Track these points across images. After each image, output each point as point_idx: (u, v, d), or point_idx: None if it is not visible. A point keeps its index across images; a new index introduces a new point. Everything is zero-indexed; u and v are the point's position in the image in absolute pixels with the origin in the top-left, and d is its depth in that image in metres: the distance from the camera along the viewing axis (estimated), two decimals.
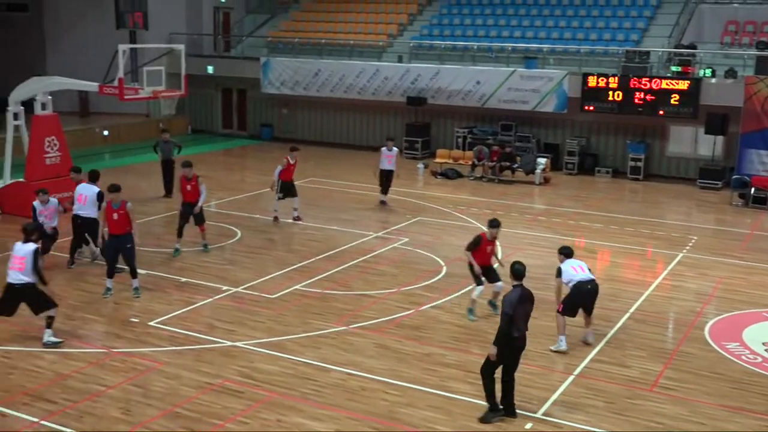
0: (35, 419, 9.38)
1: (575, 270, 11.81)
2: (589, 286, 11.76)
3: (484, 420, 9.50)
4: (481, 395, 9.99)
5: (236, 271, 15.26)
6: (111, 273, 13.59)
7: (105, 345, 11.59)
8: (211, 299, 13.62)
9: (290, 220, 18.91)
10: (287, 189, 18.76)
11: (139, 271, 14.42)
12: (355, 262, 16.00)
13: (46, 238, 14.35)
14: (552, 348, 11.76)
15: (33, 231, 11.53)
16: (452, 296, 13.94)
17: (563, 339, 11.71)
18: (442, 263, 15.98)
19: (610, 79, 25.36)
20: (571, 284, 11.73)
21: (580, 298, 11.76)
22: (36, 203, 14.91)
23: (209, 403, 9.87)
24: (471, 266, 12.88)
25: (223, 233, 17.88)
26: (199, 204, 16.09)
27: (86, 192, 14.99)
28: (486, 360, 9.54)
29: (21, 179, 19.11)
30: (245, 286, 14.33)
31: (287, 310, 13.18)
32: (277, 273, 15.10)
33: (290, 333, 12.21)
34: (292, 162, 18.66)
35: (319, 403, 9.95)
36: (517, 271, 9.76)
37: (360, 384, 10.54)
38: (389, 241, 17.65)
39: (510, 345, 9.43)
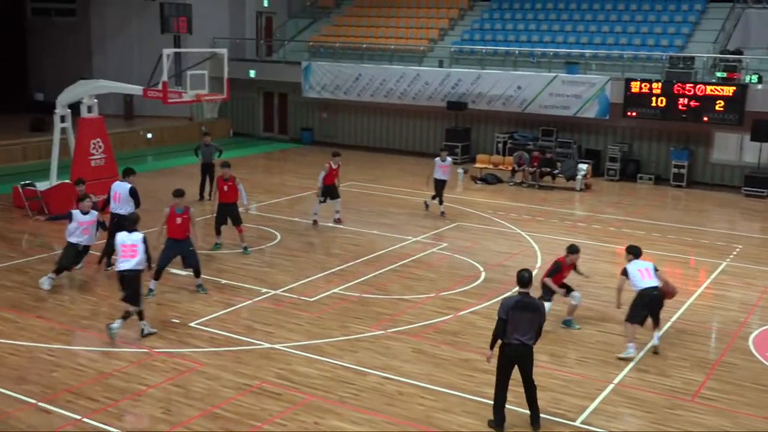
0: (77, 417, 9.54)
1: (641, 275, 11.64)
2: (655, 293, 11.62)
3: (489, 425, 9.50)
4: (518, 402, 9.96)
5: (275, 273, 15.37)
6: (158, 275, 13.75)
7: (146, 345, 11.75)
8: (250, 301, 13.74)
9: (331, 224, 19.00)
10: (330, 192, 18.87)
11: (179, 272, 14.66)
12: (393, 266, 16.02)
13: (72, 253, 14.06)
14: (619, 355, 11.63)
15: (136, 221, 12.09)
16: (491, 302, 13.88)
17: (631, 346, 11.56)
18: (481, 269, 15.92)
19: (654, 85, 25.09)
20: (636, 289, 11.64)
21: (646, 306, 11.65)
22: (76, 213, 13.91)
23: (248, 405, 9.96)
24: (546, 286, 12.62)
25: (262, 236, 18.02)
26: (245, 203, 16.40)
27: (120, 190, 15.21)
28: (497, 369, 9.47)
29: (67, 180, 19.44)
30: (284, 288, 14.43)
31: (325, 313, 13.24)
32: (316, 276, 15.18)
33: (328, 336, 12.26)
34: (334, 167, 18.76)
35: (356, 407, 9.98)
36: (521, 278, 9.39)
37: (397, 388, 10.55)
38: (428, 245, 17.64)
39: (505, 351, 9.27)
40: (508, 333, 9.19)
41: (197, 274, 14.03)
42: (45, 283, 13.96)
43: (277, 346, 11.82)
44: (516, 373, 9.41)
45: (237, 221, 16.45)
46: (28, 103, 33.98)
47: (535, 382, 9.53)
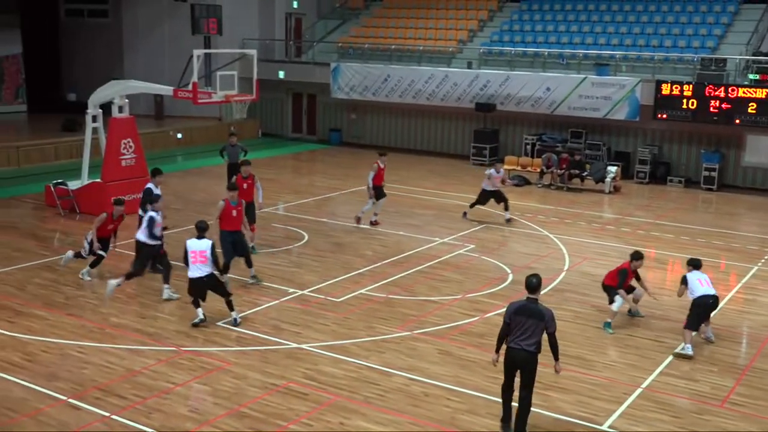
0: (106, 413, 9.65)
1: (701, 284, 12.25)
2: (711, 301, 12.19)
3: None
4: (544, 405, 9.95)
5: (303, 273, 15.43)
6: (227, 269, 13.99)
7: (174, 343, 11.86)
8: (277, 301, 13.81)
9: (367, 226, 18.98)
10: (378, 192, 18.91)
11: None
12: (420, 267, 16.02)
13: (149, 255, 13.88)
14: (678, 351, 11.99)
15: (206, 228, 12.54)
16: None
17: (689, 347, 11.93)
18: (509, 270, 15.87)
19: (685, 87, 24.85)
20: (693, 296, 12.16)
21: (705, 311, 12.23)
22: (155, 215, 13.65)
23: (274, 404, 10.01)
24: (611, 289, 13.11)
25: (290, 236, 18.10)
26: (260, 200, 16.57)
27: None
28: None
29: (98, 180, 19.67)
30: (311, 289, 14.48)
31: (352, 314, 13.27)
32: (343, 276, 15.22)
33: (355, 337, 12.29)
34: (382, 166, 18.87)
35: (382, 408, 9.99)
36: (529, 283, 9.20)
37: (423, 390, 10.55)
38: (455, 247, 17.62)
39: (507, 354, 9.20)
40: (511, 337, 9.12)
41: (249, 263, 14.50)
42: (112, 285, 13.42)
43: (303, 346, 11.87)
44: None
45: (252, 219, 16.48)
46: (61, 104, 34.47)
47: (532, 406, 9.25)
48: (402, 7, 34.71)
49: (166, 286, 13.71)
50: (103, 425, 9.39)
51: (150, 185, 15.18)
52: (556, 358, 9.26)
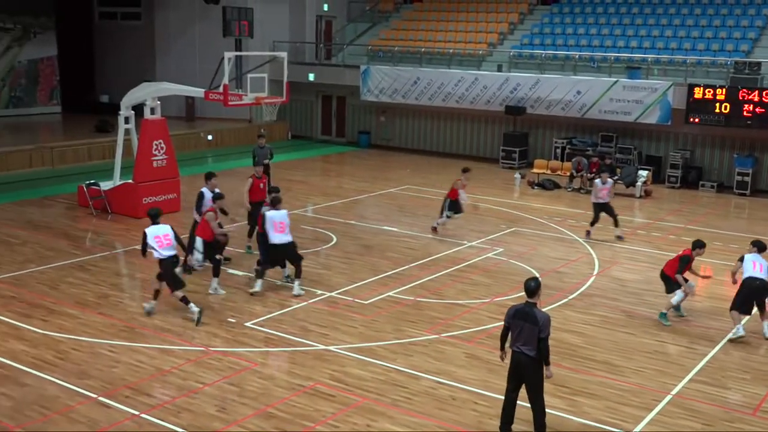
0: (136, 412, 9.75)
1: (753, 266, 12.53)
2: (758, 282, 12.40)
3: None
4: (572, 410, 9.89)
5: (331, 275, 15.47)
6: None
7: (203, 343, 11.95)
8: (305, 303, 13.85)
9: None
10: (455, 206, 18.54)
11: (236, 272, 14.93)
12: (448, 270, 15.99)
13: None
14: (730, 336, 12.46)
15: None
16: (545, 309, 13.75)
17: (740, 327, 12.37)
18: (537, 275, 15.77)
19: (718, 91, 24.58)
20: (742, 277, 12.53)
21: (749, 294, 12.45)
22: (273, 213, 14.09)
23: (301, 405, 10.05)
24: (670, 279, 13.46)
25: (318, 238, 18.16)
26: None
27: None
28: None
29: (129, 180, 19.88)
30: (339, 291, 14.52)
31: (380, 316, 13.28)
32: (371, 279, 15.23)
33: (382, 339, 12.30)
34: (465, 183, 18.54)
35: (409, 411, 9.99)
36: (527, 287, 9.18)
37: (450, 393, 10.53)
38: (484, 250, 17.57)
39: (511, 357, 9.18)
40: (512, 341, 9.14)
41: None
42: (257, 285, 14.17)
43: (331, 348, 11.90)
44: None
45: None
46: (94, 105, 34.95)
47: (547, 408, 9.23)
48: (432, 10, 34.71)
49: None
50: (132, 423, 9.48)
51: (204, 189, 15.27)
52: (546, 363, 9.08)
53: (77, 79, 36.04)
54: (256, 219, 15.20)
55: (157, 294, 12.97)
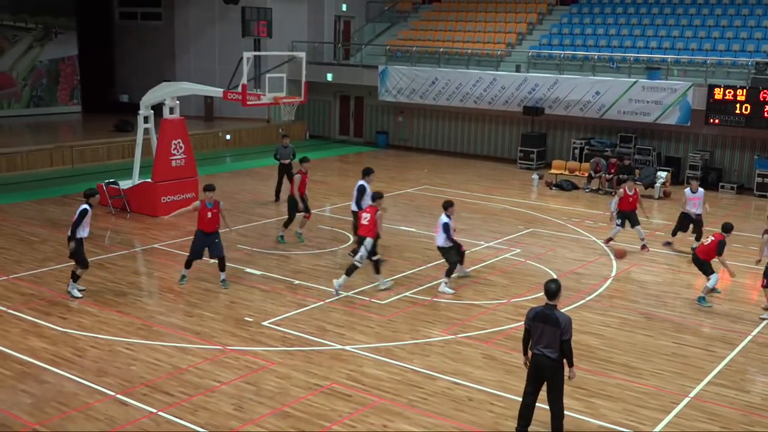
0: (153, 410, 9.80)
1: None
2: None
3: None
4: (589, 412, 9.84)
5: None
6: (189, 265, 14.55)
7: (220, 342, 11.99)
8: (322, 302, 13.87)
9: (638, 248, 17.96)
10: (627, 217, 17.85)
11: (253, 272, 15.00)
12: (466, 271, 15.95)
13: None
14: (761, 316, 13.41)
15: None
16: (563, 310, 13.68)
17: None
18: (555, 275, 15.71)
19: (738, 92, 24.39)
20: None
21: None
22: (447, 221, 14.72)
23: (318, 405, 10.06)
24: (705, 262, 14.23)
25: (336, 237, 18.18)
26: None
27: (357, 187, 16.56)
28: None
29: (148, 179, 19.98)
30: (356, 290, 14.52)
31: (397, 317, 13.28)
32: (388, 279, 15.22)
33: (399, 339, 12.30)
34: (630, 193, 17.68)
35: (425, 411, 9.98)
36: (548, 290, 9.15)
37: (467, 394, 10.51)
38: (501, 251, 17.52)
39: (531, 360, 9.13)
40: (533, 343, 9.08)
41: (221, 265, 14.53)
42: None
43: (347, 348, 11.91)
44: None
45: (308, 210, 17.53)
46: (114, 104, 35.19)
47: (565, 410, 9.19)
48: (450, 10, 34.66)
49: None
50: (150, 421, 9.53)
51: (363, 182, 16.26)
52: (570, 365, 9.12)
53: (97, 78, 36.31)
54: (296, 210, 17.26)
55: None
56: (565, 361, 9.02)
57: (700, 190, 17.65)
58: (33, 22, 33.94)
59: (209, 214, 14.25)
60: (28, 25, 33.82)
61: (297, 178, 17.19)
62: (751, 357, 12.04)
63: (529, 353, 9.20)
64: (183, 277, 14.57)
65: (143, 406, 9.88)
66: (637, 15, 30.58)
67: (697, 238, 17.48)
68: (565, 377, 9.10)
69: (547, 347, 8.94)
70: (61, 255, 16.20)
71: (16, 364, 11.03)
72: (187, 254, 14.55)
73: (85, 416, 9.60)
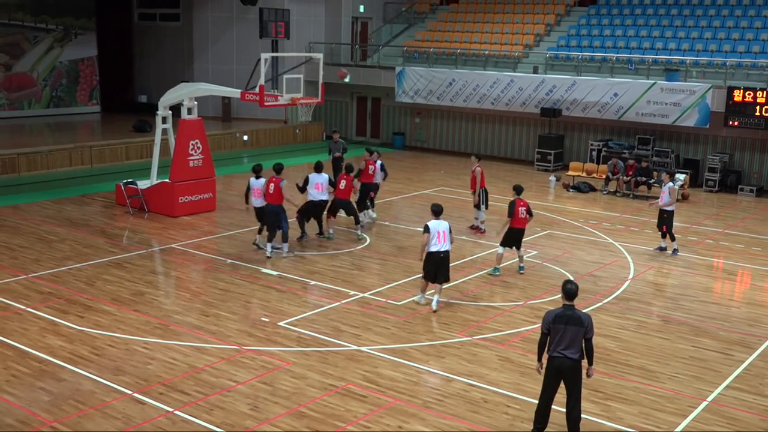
0: (170, 409, 9.85)
1: None
2: None
3: None
4: (606, 415, 9.79)
5: (364, 276, 15.50)
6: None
7: (237, 342, 12.03)
8: (338, 303, 13.89)
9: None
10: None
11: (271, 272, 15.03)
12: (482, 272, 15.93)
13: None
14: None
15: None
16: None
17: None
18: (572, 278, 15.63)
19: (758, 94, 24.21)
20: None
21: None
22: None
23: (333, 405, 10.07)
24: None
25: (352, 239, 18.20)
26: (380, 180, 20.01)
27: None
28: (543, 379, 9.28)
29: (166, 180, 20.08)
30: (372, 291, 14.53)
31: (412, 318, 13.27)
32: (404, 280, 15.23)
33: (415, 341, 12.29)
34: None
35: (441, 413, 9.97)
36: (568, 291, 9.08)
37: (482, 396, 10.49)
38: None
39: (549, 363, 9.05)
40: (552, 346, 9.00)
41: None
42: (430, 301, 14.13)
43: (363, 349, 11.91)
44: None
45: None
46: (133, 105, 35.42)
47: (582, 413, 9.16)
48: (468, 12, 34.62)
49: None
50: (166, 420, 9.58)
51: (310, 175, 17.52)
52: (591, 363, 9.12)
53: (116, 79, 36.56)
54: (366, 198, 19.06)
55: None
56: (583, 361, 8.98)
57: (669, 184, 17.71)
58: (53, 24, 34.23)
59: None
60: (49, 26, 34.11)
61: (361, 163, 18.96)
62: (767, 361, 11.95)
63: (544, 358, 9.16)
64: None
65: (160, 405, 9.93)
66: (655, 16, 30.42)
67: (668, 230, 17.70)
68: (583, 376, 9.06)
69: (568, 348, 8.89)
70: (79, 254, 16.34)
71: (34, 362, 11.13)
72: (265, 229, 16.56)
73: (102, 414, 9.66)
